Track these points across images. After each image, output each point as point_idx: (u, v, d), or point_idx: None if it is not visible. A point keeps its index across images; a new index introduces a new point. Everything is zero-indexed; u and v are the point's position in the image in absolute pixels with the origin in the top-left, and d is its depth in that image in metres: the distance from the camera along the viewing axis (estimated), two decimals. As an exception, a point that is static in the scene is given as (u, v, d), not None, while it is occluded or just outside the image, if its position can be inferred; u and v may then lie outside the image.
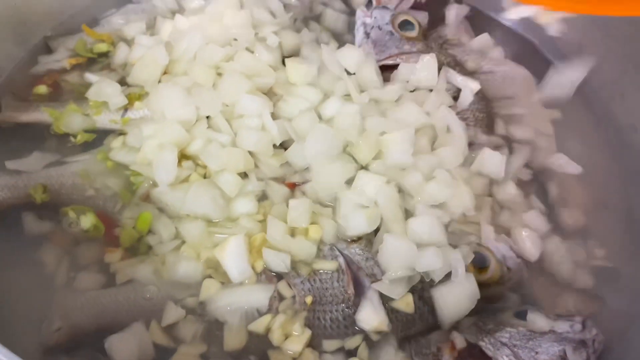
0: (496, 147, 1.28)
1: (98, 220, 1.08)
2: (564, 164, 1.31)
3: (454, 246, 1.08)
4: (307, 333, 1.00)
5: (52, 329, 0.96)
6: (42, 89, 1.29)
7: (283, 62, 1.29)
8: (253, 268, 1.04)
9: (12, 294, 0.99)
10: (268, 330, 1.00)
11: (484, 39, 1.51)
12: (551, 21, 1.43)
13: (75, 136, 1.22)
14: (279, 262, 1.03)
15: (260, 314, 1.01)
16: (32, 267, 1.04)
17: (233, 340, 0.98)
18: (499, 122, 1.36)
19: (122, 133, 1.21)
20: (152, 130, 1.15)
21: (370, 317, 1.01)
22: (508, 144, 1.33)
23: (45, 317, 0.96)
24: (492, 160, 1.24)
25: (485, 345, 0.98)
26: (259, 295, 1.02)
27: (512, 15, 1.54)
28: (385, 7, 1.48)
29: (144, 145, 1.14)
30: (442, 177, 1.14)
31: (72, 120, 1.22)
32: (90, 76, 1.29)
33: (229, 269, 1.03)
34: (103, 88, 1.24)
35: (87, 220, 1.08)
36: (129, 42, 1.36)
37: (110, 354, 0.93)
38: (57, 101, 1.26)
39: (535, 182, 1.29)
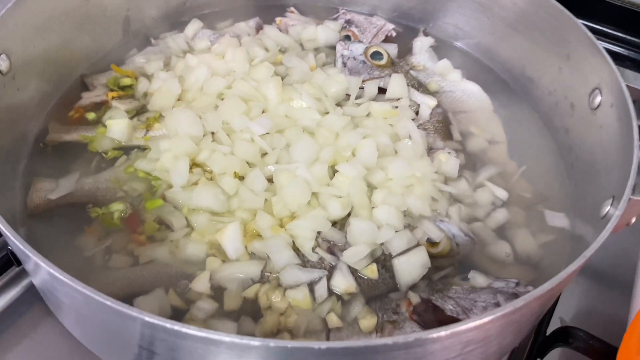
0: (452, 152, 1.54)
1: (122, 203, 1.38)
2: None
3: (413, 228, 1.34)
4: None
5: None
6: (91, 115, 1.58)
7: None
8: (246, 248, 1.30)
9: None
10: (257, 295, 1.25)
11: (445, 63, 1.78)
12: None
13: (106, 153, 1.51)
14: (262, 254, 1.29)
15: (254, 282, 1.26)
16: (73, 252, 1.31)
17: (231, 302, 1.23)
18: (456, 132, 1.63)
19: (145, 148, 1.49)
20: (168, 144, 1.43)
21: (341, 282, 1.25)
22: (463, 149, 1.59)
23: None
24: (448, 162, 1.50)
25: (435, 299, 1.22)
26: (253, 268, 1.27)
27: None
28: (360, 42, 1.79)
29: (162, 157, 1.42)
30: (401, 174, 1.41)
31: (102, 142, 1.51)
32: (115, 103, 1.59)
33: (227, 249, 1.28)
34: (114, 115, 1.54)
35: (116, 206, 1.37)
36: (149, 77, 1.66)
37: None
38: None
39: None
